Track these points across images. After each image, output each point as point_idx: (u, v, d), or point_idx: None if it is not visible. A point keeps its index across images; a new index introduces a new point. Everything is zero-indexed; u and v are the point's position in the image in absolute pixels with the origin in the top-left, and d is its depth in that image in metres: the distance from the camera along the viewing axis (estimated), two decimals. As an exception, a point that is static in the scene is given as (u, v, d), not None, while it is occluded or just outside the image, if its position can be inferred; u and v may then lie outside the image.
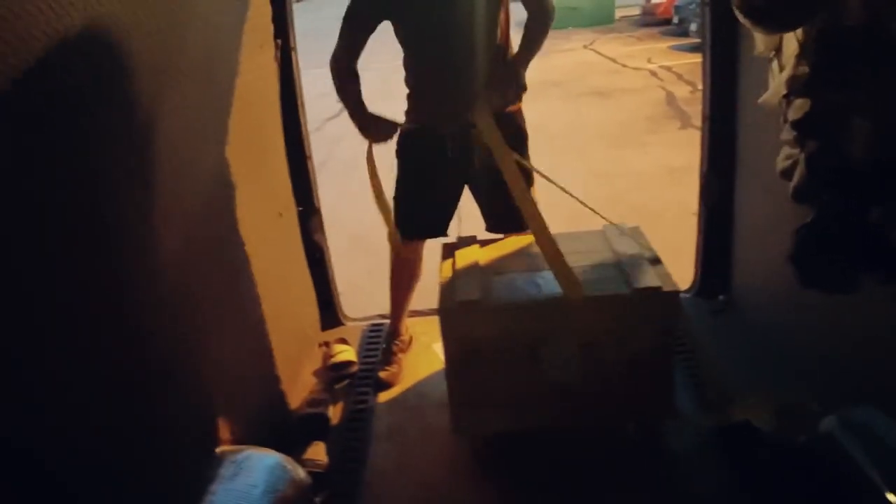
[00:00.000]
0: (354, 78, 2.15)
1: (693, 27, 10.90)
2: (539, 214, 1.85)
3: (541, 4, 2.07)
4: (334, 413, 2.21)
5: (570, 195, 1.93)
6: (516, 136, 2.12)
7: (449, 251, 2.08)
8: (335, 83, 2.14)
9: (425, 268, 2.13)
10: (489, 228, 2.27)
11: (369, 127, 2.13)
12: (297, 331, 2.43)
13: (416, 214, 2.27)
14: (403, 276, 2.41)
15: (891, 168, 1.22)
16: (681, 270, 2.22)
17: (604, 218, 2.03)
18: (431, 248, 2.29)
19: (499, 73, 2.04)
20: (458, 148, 2.09)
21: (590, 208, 1.97)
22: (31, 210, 1.02)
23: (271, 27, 2.25)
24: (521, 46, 2.08)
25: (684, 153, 5.14)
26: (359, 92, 2.15)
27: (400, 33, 2.10)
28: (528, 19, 2.09)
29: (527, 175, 2.05)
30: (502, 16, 2.04)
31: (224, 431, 1.69)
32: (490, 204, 2.22)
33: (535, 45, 2.08)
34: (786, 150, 1.51)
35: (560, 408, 1.86)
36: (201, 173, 1.68)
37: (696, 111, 5.53)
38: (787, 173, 1.48)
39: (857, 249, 1.34)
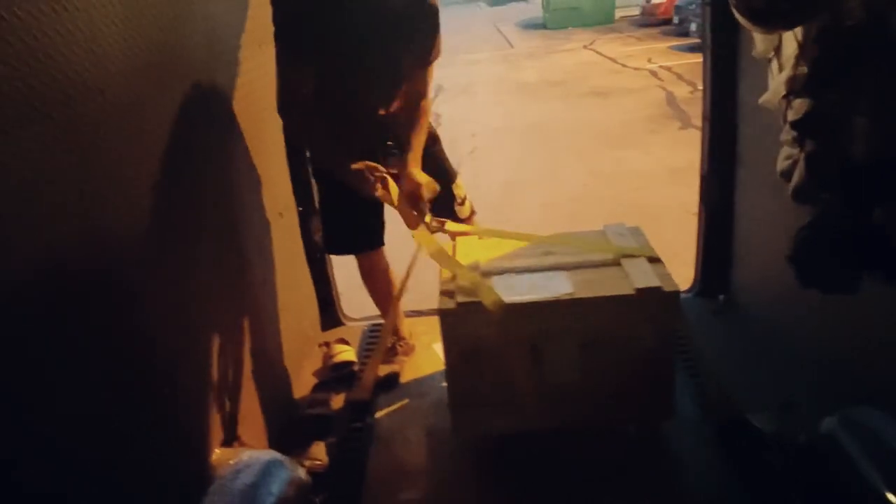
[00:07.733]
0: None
1: (693, 27, 10.94)
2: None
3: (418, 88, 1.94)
4: (334, 413, 2.21)
5: None
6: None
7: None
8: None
9: (425, 267, 2.12)
10: None
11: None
12: (297, 331, 2.43)
13: (344, 230, 2.21)
14: (376, 283, 2.34)
15: (890, 168, 1.22)
16: (681, 270, 2.22)
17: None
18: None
19: (406, 195, 1.92)
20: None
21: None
22: (31, 208, 1.02)
23: (271, 26, 2.24)
24: (407, 147, 1.95)
25: (684, 153, 5.15)
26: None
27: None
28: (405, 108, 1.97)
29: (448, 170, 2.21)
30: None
31: (224, 431, 1.69)
32: None
33: (419, 138, 1.96)
34: (785, 151, 1.51)
35: (560, 408, 1.86)
36: (201, 173, 1.68)
37: (696, 111, 5.54)
38: (786, 173, 1.48)
39: (857, 249, 1.34)
